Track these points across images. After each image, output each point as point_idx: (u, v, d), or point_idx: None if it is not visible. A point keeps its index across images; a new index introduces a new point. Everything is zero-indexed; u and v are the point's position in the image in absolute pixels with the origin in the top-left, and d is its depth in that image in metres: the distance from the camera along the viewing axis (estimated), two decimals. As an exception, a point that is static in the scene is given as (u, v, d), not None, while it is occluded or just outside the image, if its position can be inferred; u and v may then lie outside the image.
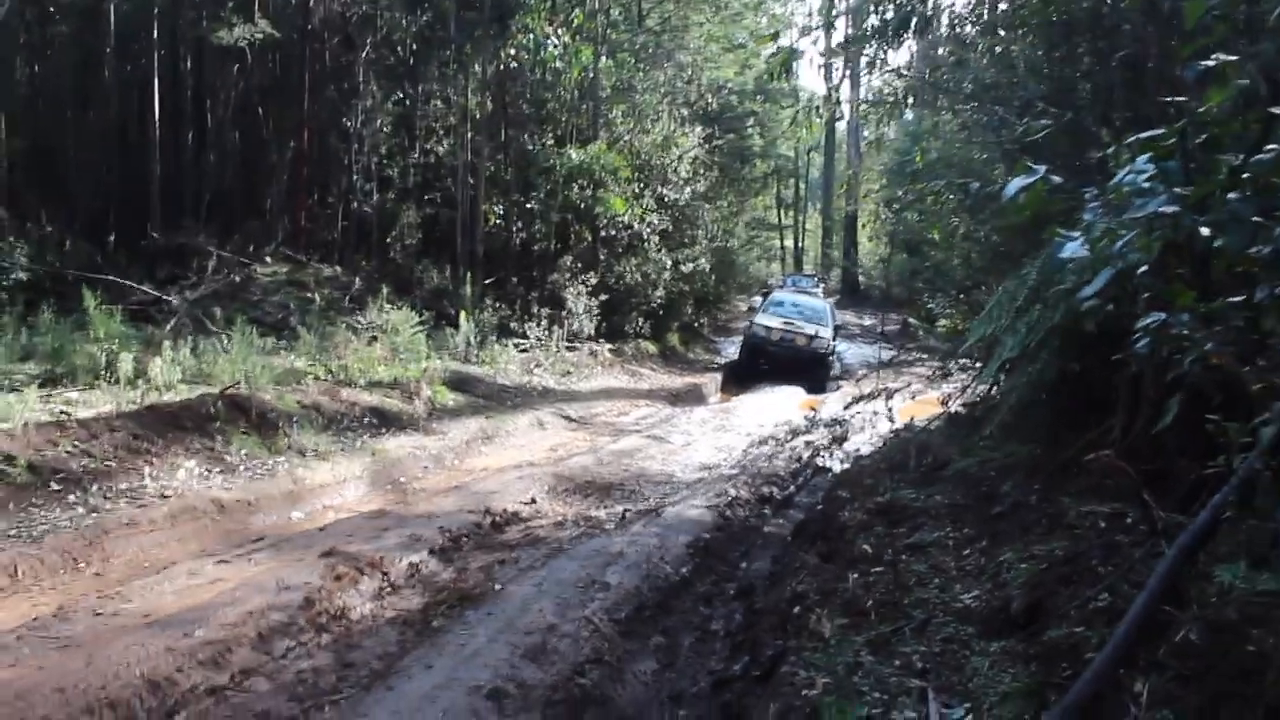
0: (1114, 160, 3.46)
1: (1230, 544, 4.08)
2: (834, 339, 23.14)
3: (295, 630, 5.66)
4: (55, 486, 7.59)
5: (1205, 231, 2.86)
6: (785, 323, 21.93)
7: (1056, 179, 3.27)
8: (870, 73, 13.84)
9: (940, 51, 14.37)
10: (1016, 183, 3.25)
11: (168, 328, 14.06)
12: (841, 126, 52.28)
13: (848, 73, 37.21)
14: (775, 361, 21.24)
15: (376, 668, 5.22)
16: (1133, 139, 3.27)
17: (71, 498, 7.53)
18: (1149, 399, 5.81)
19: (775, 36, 11.34)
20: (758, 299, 27.87)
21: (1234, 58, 3.16)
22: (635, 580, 6.70)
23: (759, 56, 26.97)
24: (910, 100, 12.96)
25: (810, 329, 21.73)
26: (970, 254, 11.42)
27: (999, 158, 10.01)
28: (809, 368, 21.13)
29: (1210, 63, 3.15)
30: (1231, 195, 2.86)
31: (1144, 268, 3.34)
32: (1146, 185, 2.89)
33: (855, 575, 6.00)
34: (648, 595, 6.48)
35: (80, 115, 22.18)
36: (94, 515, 7.38)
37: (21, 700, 4.44)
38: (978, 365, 10.47)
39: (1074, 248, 3.00)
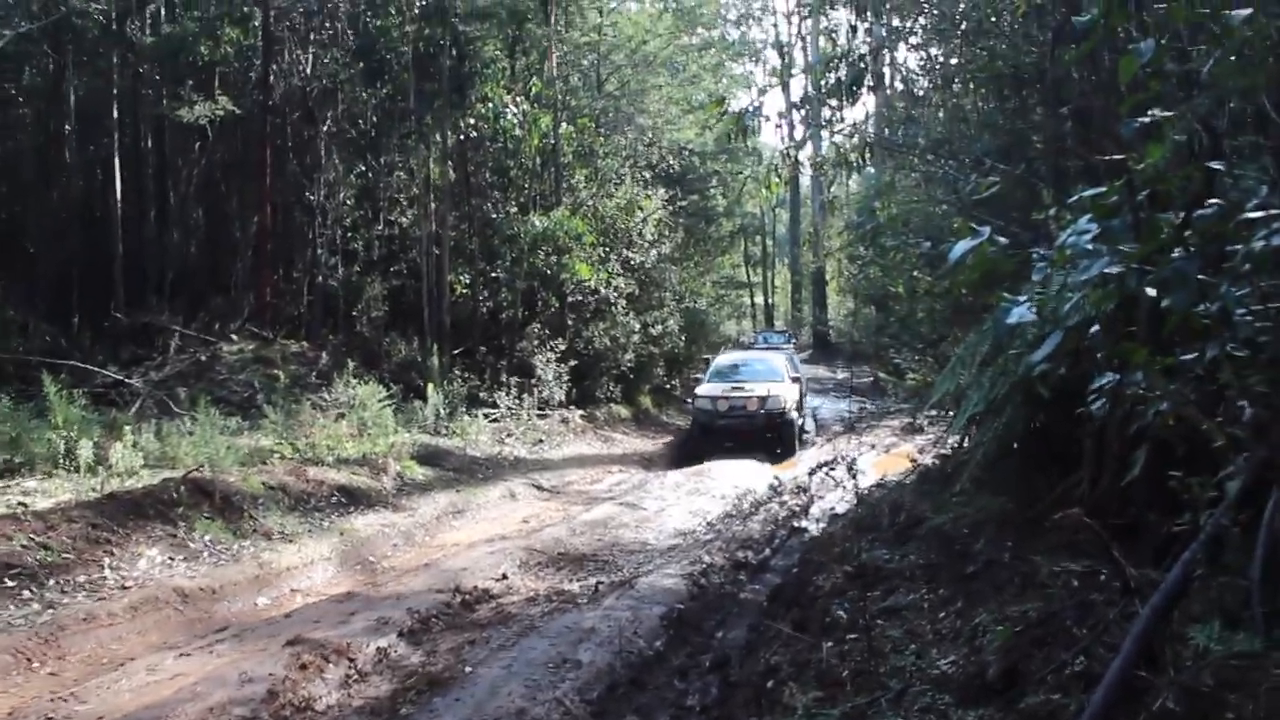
0: (1057, 221, 3.44)
1: (1203, 602, 4.01)
2: (800, 394, 20.92)
3: (258, 725, 5.48)
4: (9, 583, 7.38)
5: (1151, 292, 2.83)
6: (733, 388, 19.55)
7: (1002, 240, 3.24)
8: (829, 130, 13.95)
9: (898, 107, 14.55)
10: (962, 245, 3.22)
11: (131, 411, 13.88)
12: (806, 182, 52.89)
13: (807, 131, 37.60)
14: (729, 436, 18.70)
15: (341, 763, 5.06)
16: (1075, 198, 3.24)
17: (27, 593, 7.33)
18: (1113, 453, 5.77)
19: (721, 102, 11.41)
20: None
21: (1171, 113, 3.15)
22: (608, 657, 6.56)
23: (719, 117, 27.19)
24: (868, 156, 13.07)
25: (762, 388, 19.16)
26: (934, 307, 11.45)
27: (956, 212, 10.08)
28: (771, 432, 18.68)
29: (1148, 119, 3.14)
30: (1175, 254, 2.82)
31: (1095, 327, 3.30)
32: (1090, 247, 2.86)
33: (830, 644, 5.88)
34: (620, 672, 6.33)
35: (43, 196, 22.12)
36: (50, 611, 7.18)
37: (-36, 818, 4.26)
38: (950, 415, 10.45)
39: (1021, 312, 2.96)
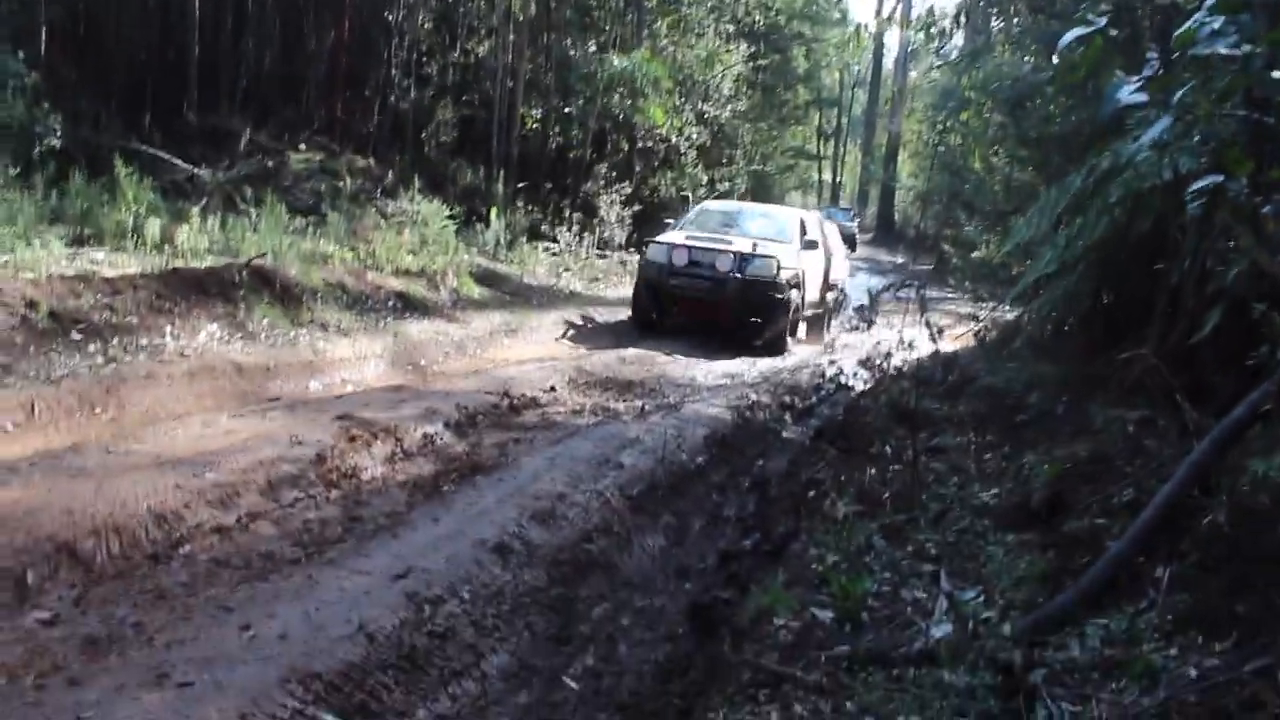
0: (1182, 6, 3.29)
1: (1266, 441, 3.94)
2: (824, 270, 15.08)
3: (305, 483, 5.63)
4: (76, 336, 7.54)
5: (1276, 75, 2.70)
6: (709, 238, 13.46)
7: (1115, 32, 3.10)
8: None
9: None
10: (1073, 33, 3.08)
11: (200, 205, 14.00)
12: (888, 66, 51.49)
13: None
14: (682, 305, 13.16)
15: (383, 522, 5.19)
16: (1203, -7, 3.08)
17: (91, 347, 7.49)
18: (1187, 311, 5.65)
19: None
20: None
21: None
22: (649, 463, 6.65)
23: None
24: (963, 19, 12.61)
25: (747, 245, 13.08)
26: (1010, 177, 11.18)
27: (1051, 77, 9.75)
28: (750, 312, 12.63)
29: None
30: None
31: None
32: (1216, 28, 2.72)
33: (873, 470, 5.92)
34: (661, 478, 6.43)
35: (125, -6, 21.94)
36: (112, 365, 7.35)
37: (30, 518, 4.44)
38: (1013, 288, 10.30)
39: (1129, 92, 2.84)
